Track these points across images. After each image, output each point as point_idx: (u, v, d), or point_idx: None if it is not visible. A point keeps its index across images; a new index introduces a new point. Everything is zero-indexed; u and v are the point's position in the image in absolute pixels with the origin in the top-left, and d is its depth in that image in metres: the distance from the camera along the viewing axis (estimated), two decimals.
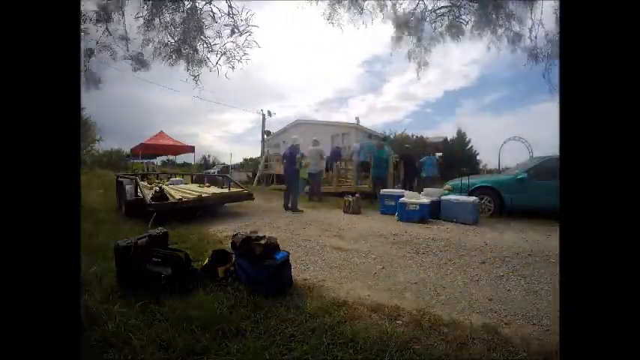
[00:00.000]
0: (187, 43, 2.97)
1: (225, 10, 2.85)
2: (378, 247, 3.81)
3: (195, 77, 3.11)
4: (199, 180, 8.56)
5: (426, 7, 3.12)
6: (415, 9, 3.18)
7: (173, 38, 2.97)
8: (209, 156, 23.86)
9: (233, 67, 2.94)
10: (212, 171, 17.03)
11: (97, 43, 3.07)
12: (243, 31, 2.84)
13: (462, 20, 2.98)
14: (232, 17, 2.84)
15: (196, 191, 6.18)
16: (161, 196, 5.23)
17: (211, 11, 2.82)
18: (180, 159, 21.90)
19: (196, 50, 3.03)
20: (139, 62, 3.27)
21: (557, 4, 2.68)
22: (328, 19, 3.13)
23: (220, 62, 2.97)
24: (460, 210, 5.46)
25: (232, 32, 2.87)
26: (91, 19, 2.92)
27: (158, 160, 20.72)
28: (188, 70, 3.10)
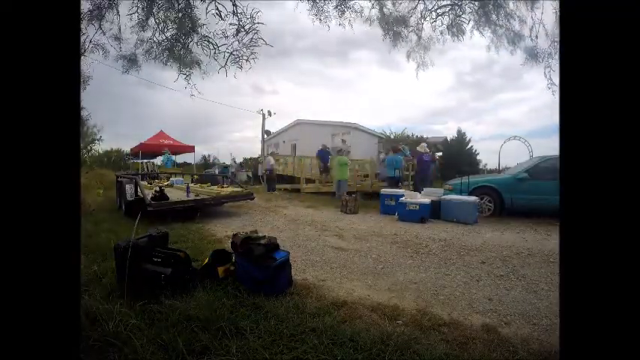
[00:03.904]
0: (180, 42, 2.96)
1: (230, 8, 2.83)
2: (378, 247, 3.81)
3: (187, 77, 3.10)
4: (200, 180, 8.57)
5: (426, 7, 3.12)
6: (415, 8, 3.18)
7: (166, 37, 2.96)
8: (209, 155, 23.90)
9: (241, 67, 2.92)
10: (212, 170, 17.05)
11: (90, 42, 3.07)
12: (249, 29, 2.80)
13: (462, 20, 2.97)
14: (237, 16, 2.82)
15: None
16: (161, 195, 5.23)
17: (216, 8, 2.79)
18: (180, 158, 21.90)
19: (191, 50, 3.02)
20: (131, 62, 3.28)
21: (556, 3, 2.68)
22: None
23: (228, 63, 2.95)
24: (460, 210, 5.46)
25: (238, 31, 2.84)
26: (83, 18, 2.91)
27: (158, 160, 20.73)
28: (180, 69, 3.08)
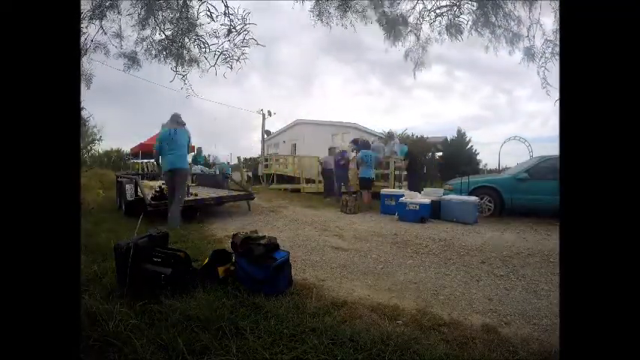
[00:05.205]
0: (177, 41, 2.99)
1: (222, 9, 2.88)
2: (378, 247, 3.81)
3: (184, 77, 3.13)
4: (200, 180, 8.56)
5: (425, 7, 3.12)
6: (414, 8, 3.18)
7: (165, 35, 3.00)
8: (209, 155, 23.88)
9: (231, 67, 2.97)
10: (212, 171, 17.02)
11: (92, 41, 3.10)
12: (240, 30, 2.85)
13: (461, 20, 2.97)
14: (229, 17, 2.87)
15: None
16: (161, 195, 5.23)
17: (208, 10, 2.84)
18: None
19: (188, 49, 3.05)
20: (132, 60, 3.30)
21: (555, 4, 2.68)
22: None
23: (218, 62, 3.00)
24: (460, 210, 5.46)
25: (229, 32, 2.89)
26: (84, 17, 2.94)
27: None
28: (176, 69, 3.12)
